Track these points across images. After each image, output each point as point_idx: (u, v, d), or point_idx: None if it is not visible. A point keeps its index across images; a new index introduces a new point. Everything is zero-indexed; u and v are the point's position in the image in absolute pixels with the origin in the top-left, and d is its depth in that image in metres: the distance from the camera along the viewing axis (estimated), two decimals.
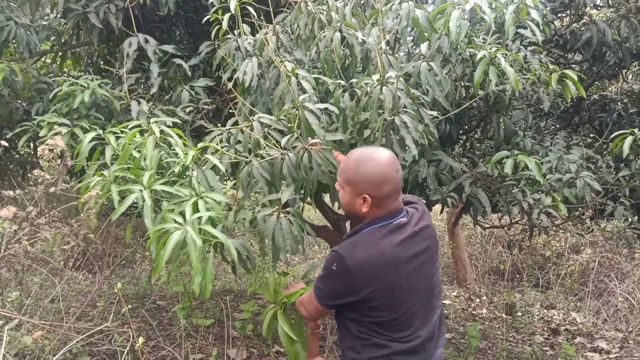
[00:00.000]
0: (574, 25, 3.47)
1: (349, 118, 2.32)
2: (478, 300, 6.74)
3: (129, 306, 4.67)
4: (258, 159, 2.31)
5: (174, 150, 2.43)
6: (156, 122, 2.46)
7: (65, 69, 4.53)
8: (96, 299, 4.69)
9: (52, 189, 2.50)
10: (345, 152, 2.23)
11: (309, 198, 2.64)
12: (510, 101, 2.78)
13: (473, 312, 6.23)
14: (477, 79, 2.36)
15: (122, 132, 2.55)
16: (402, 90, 2.24)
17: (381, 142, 2.23)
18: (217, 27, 2.87)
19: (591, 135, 3.97)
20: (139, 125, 2.43)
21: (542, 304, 6.64)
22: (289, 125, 2.32)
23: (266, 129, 2.40)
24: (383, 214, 1.71)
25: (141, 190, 2.17)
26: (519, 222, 3.28)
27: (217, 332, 4.05)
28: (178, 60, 3.16)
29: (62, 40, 4.22)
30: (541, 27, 2.52)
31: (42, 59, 4.79)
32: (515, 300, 6.45)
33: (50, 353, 2.98)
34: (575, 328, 5.86)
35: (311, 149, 2.20)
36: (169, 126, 2.62)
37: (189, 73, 3.19)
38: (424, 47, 2.51)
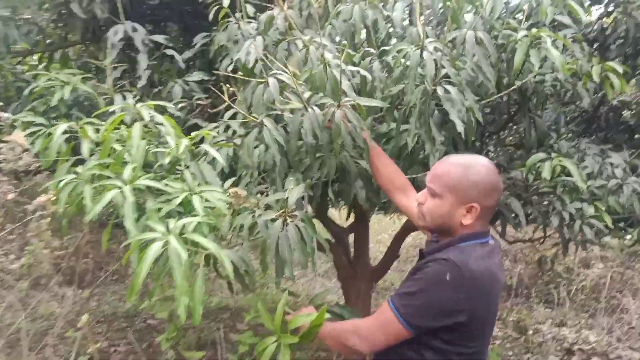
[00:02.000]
0: (604, 18, 3.09)
1: (378, 90, 1.93)
2: None
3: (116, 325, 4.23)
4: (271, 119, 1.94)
5: (164, 140, 2.01)
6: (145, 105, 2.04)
7: (53, 71, 4.13)
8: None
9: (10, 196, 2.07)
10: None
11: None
12: (547, 96, 2.37)
13: None
14: (517, 63, 1.96)
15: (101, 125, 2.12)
16: (446, 58, 1.85)
17: (419, 119, 1.83)
18: (216, 8, 2.47)
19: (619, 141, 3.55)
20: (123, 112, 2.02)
21: (552, 321, 6.20)
22: (312, 87, 1.96)
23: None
24: (479, 230, 1.48)
25: (121, 188, 1.74)
26: (549, 235, 2.86)
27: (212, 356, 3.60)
28: (170, 51, 2.74)
29: (49, 41, 3.83)
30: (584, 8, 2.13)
31: (28, 60, 4.40)
32: (525, 318, 6.01)
33: None
34: (589, 347, 5.43)
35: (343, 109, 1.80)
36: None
37: (183, 66, 2.77)
38: (468, 17, 2.12)
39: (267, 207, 1.95)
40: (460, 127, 1.83)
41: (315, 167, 2.11)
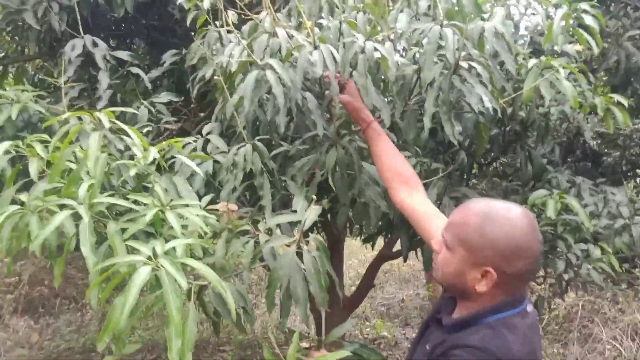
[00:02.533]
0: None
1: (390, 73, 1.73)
2: None
3: None
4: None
5: (129, 151, 1.72)
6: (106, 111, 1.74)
7: (7, 88, 3.76)
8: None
9: None
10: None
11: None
12: (550, 129, 2.17)
13: None
14: (527, 94, 1.75)
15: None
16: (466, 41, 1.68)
17: (439, 97, 1.66)
18: (194, 14, 2.19)
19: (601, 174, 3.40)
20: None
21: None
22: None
23: None
24: (509, 299, 1.13)
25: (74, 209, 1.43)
26: (547, 275, 2.64)
27: None
28: (135, 70, 2.45)
29: (2, 54, 3.49)
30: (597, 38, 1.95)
31: None
32: None
33: None
34: None
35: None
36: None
37: (149, 86, 2.47)
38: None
39: (268, 231, 1.68)
40: (488, 103, 1.63)
41: (312, 161, 1.86)
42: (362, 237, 3.33)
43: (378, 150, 1.66)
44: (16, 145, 1.77)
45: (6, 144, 1.70)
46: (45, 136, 1.83)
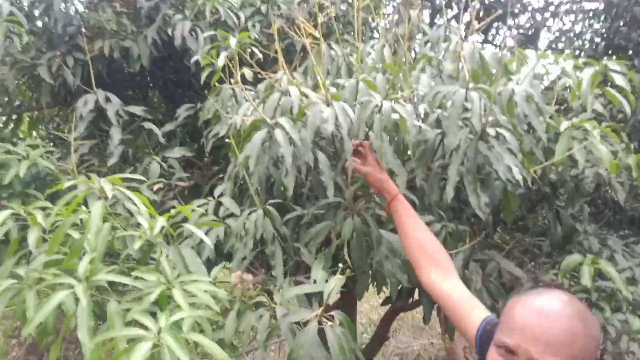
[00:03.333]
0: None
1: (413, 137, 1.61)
2: None
3: None
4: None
5: (134, 222, 1.59)
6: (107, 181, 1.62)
7: (22, 136, 3.69)
8: None
9: None
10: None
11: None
12: (582, 191, 2.01)
13: None
14: (559, 157, 1.61)
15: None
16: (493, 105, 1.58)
17: (462, 164, 1.53)
18: (210, 72, 2.11)
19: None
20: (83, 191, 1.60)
21: None
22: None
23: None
24: None
25: (73, 286, 1.30)
26: None
27: None
28: (148, 125, 2.35)
29: (17, 103, 3.42)
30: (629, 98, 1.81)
31: None
32: None
33: None
34: None
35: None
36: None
37: (163, 141, 2.37)
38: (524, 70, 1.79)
39: (287, 303, 1.52)
40: (518, 174, 1.50)
41: (326, 228, 1.71)
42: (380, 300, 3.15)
43: (404, 225, 1.49)
44: (16, 213, 1.67)
45: (6, 212, 1.58)
46: (47, 203, 1.72)
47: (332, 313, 1.44)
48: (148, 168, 2.28)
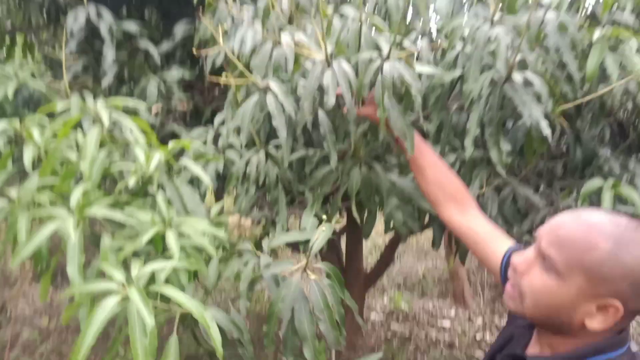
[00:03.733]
0: None
1: (424, 78, 1.47)
2: (479, 320, 5.89)
3: None
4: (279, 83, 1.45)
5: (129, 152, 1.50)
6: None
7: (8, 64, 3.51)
8: None
9: None
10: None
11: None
12: (604, 109, 1.87)
13: (476, 338, 5.39)
14: (591, 70, 1.45)
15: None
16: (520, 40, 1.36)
17: (484, 115, 1.37)
18: None
19: None
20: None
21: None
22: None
23: None
24: (616, 337, 0.88)
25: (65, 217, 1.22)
26: None
27: None
28: (144, 43, 2.19)
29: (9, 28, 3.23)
30: None
31: None
32: None
33: None
34: None
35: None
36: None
37: (158, 61, 2.21)
38: None
39: (272, 251, 1.44)
40: (546, 129, 1.35)
41: (332, 179, 1.60)
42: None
43: (419, 162, 1.38)
44: (11, 127, 1.55)
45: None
46: (46, 120, 1.60)
47: (319, 265, 1.36)
48: (145, 89, 2.15)
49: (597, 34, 1.49)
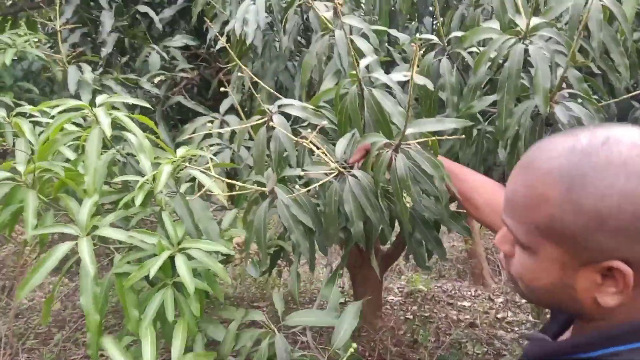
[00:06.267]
0: None
1: (450, 105, 1.25)
2: (500, 300, 5.76)
3: None
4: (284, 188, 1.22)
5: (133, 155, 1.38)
6: (106, 101, 1.37)
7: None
8: None
9: None
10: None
11: None
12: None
13: (497, 316, 5.26)
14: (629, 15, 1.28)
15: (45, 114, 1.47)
16: (561, 52, 1.17)
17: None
18: None
19: None
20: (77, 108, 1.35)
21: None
22: (340, 116, 1.22)
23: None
24: (636, 325, 0.60)
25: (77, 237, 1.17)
26: None
27: None
28: (144, 8, 2.05)
29: (10, 1, 3.12)
30: None
31: None
32: None
33: None
34: None
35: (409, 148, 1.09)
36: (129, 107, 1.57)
37: (160, 27, 2.08)
38: None
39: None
40: None
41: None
42: None
43: (461, 190, 1.15)
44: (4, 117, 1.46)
45: None
46: (37, 109, 1.49)
47: None
48: (147, 59, 2.02)
49: None
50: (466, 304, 5.51)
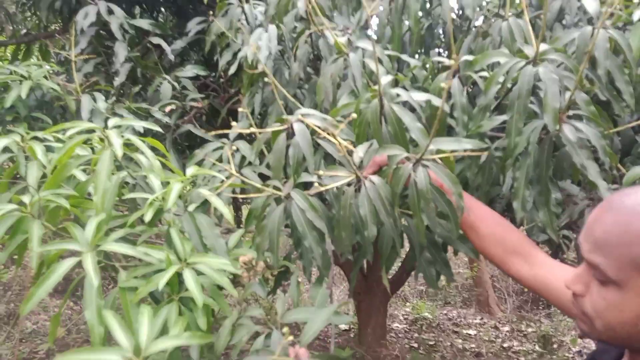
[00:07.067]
0: None
1: (460, 125, 1.28)
2: (506, 329, 5.69)
3: None
4: (301, 193, 1.23)
5: (143, 176, 1.40)
6: (118, 126, 1.40)
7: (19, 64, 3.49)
8: None
9: None
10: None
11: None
12: None
13: (503, 345, 5.19)
14: (636, 53, 1.31)
15: (57, 139, 1.50)
16: (569, 76, 1.19)
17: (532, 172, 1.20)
18: None
19: None
20: (89, 131, 1.38)
21: (576, 332, 5.59)
22: (358, 129, 1.25)
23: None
24: None
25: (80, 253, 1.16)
26: None
27: None
28: (156, 40, 2.11)
29: (24, 31, 3.22)
30: None
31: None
32: (547, 330, 5.41)
33: None
34: None
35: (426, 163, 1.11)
36: (140, 134, 1.59)
37: (172, 58, 2.14)
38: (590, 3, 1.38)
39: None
40: (604, 190, 1.21)
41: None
42: None
43: (468, 219, 1.18)
44: (15, 142, 1.49)
45: (4, 141, 1.40)
46: (49, 135, 1.52)
47: None
48: (159, 88, 2.07)
49: (638, 13, 1.36)
50: (472, 332, 5.44)
